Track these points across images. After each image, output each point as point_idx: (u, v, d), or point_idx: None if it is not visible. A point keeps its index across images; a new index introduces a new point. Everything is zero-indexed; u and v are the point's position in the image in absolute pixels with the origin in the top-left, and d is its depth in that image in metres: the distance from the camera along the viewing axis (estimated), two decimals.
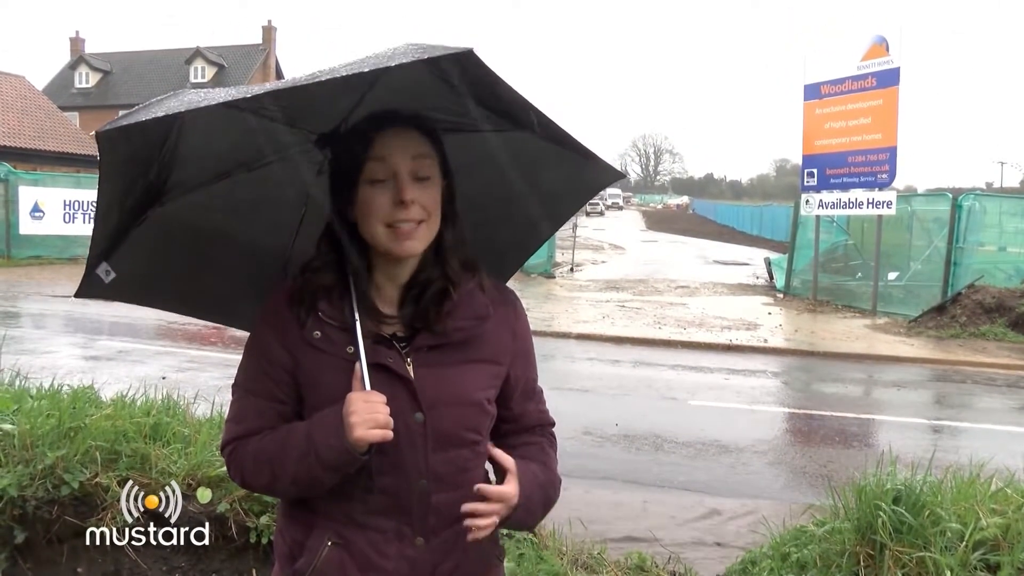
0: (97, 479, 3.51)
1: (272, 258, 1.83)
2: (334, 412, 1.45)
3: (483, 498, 1.49)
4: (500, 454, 1.52)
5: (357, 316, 1.52)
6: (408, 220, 1.48)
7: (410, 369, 1.53)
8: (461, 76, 1.33)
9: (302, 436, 1.48)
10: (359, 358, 1.49)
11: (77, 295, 1.69)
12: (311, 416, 1.52)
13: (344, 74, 1.19)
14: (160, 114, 1.27)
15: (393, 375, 1.51)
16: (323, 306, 1.54)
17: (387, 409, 1.44)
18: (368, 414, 1.42)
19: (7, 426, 3.71)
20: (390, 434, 1.43)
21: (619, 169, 1.75)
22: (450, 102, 1.47)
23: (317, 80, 1.20)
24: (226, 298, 1.87)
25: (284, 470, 1.51)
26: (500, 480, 1.54)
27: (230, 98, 1.27)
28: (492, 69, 1.23)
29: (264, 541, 3.45)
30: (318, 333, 1.53)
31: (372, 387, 1.47)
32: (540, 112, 1.38)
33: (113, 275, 1.65)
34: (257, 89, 1.28)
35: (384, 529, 1.55)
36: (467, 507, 1.47)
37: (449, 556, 1.58)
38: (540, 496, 1.60)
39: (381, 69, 1.19)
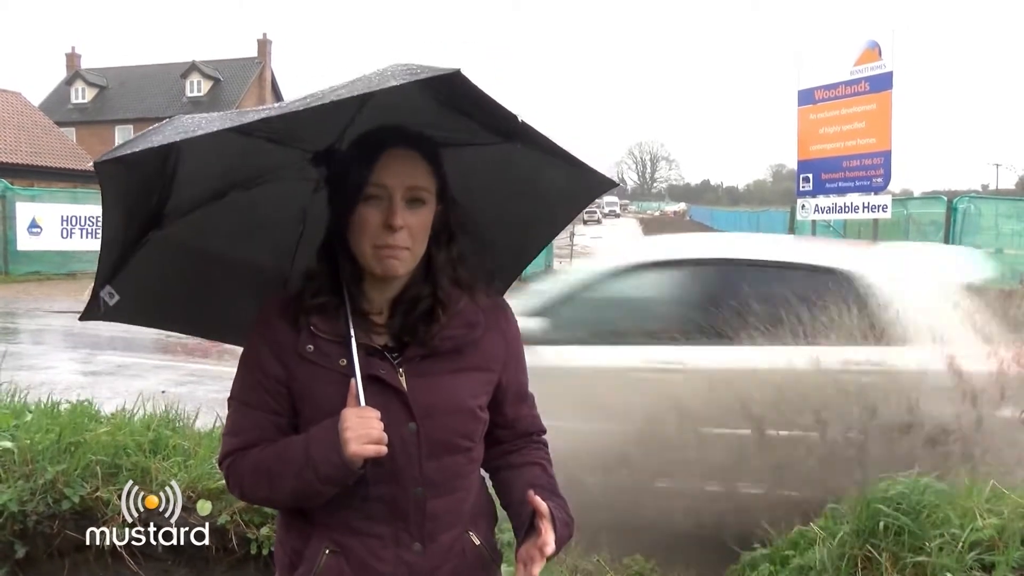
0: (98, 493, 3.52)
1: (273, 277, 1.86)
2: (330, 427, 1.47)
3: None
4: (539, 503, 1.52)
5: (352, 332, 1.54)
6: (393, 245, 1.50)
7: (402, 380, 1.55)
8: (449, 93, 1.35)
9: (299, 450, 1.50)
10: (353, 373, 1.51)
11: (82, 319, 1.73)
12: (307, 428, 1.53)
13: (333, 99, 1.22)
14: (157, 144, 1.30)
15: (386, 386, 1.53)
16: (315, 320, 1.56)
17: (381, 424, 1.46)
18: (362, 429, 1.44)
19: (6, 443, 3.72)
20: (384, 449, 1.46)
21: (614, 177, 1.78)
22: (440, 118, 1.50)
23: (309, 106, 1.23)
24: (229, 317, 1.89)
25: (282, 483, 1.53)
26: (531, 522, 1.53)
27: (225, 126, 1.30)
28: (479, 87, 1.25)
29: (265, 552, 3.46)
30: (311, 347, 1.55)
31: (366, 399, 1.49)
32: (528, 124, 1.40)
33: (117, 298, 1.68)
34: (252, 115, 1.31)
35: (381, 535, 1.57)
36: None
37: (447, 561, 1.61)
38: (566, 533, 1.62)
39: (377, 91, 1.22)
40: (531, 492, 1.54)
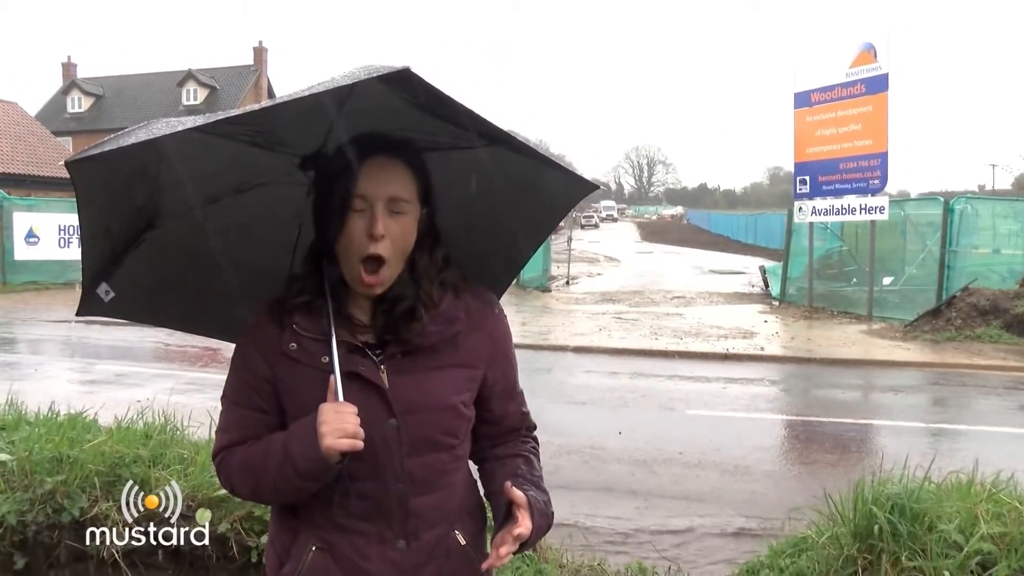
0: (96, 506, 3.51)
1: (272, 277, 1.87)
2: (308, 423, 1.50)
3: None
4: (515, 492, 1.53)
5: (333, 328, 1.57)
6: (375, 255, 1.52)
7: (384, 377, 1.57)
8: (420, 95, 1.36)
9: (279, 446, 1.54)
10: (333, 369, 1.53)
11: (78, 314, 1.78)
12: (291, 425, 1.56)
13: (290, 98, 1.25)
14: (127, 143, 1.34)
15: (366, 383, 1.56)
16: (298, 318, 1.59)
17: (357, 419, 1.48)
18: (337, 424, 1.46)
19: (4, 456, 3.72)
20: (360, 444, 1.47)
21: (611, 181, 1.79)
22: (419, 121, 1.50)
23: (273, 104, 1.27)
24: (227, 316, 1.91)
25: (266, 479, 1.57)
26: (509, 511, 1.54)
27: (195, 124, 1.33)
28: (434, 86, 1.27)
29: (265, 560, 3.45)
30: (294, 345, 1.59)
31: (346, 396, 1.51)
32: (497, 127, 1.42)
33: (113, 294, 1.73)
34: (221, 115, 1.34)
35: (366, 532, 1.59)
36: (488, 564, 1.52)
37: (432, 559, 1.63)
38: (544, 523, 1.62)
39: (345, 91, 1.26)
40: (508, 483, 1.55)
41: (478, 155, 1.62)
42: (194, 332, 2.10)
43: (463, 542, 1.68)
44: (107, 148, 1.36)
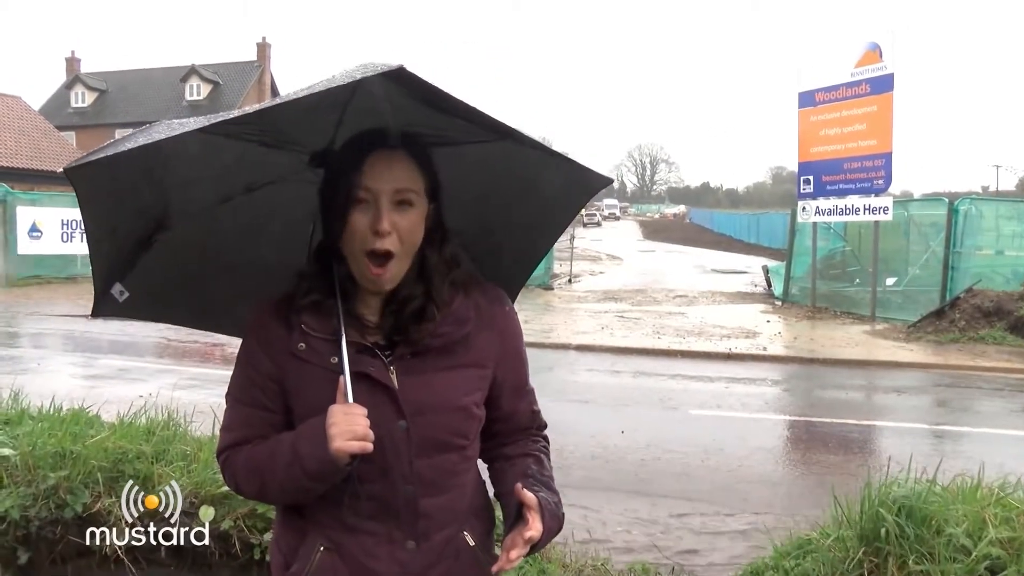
0: (99, 502, 3.51)
1: (288, 275, 1.86)
2: (317, 424, 1.48)
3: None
4: (527, 495, 1.52)
5: (343, 329, 1.55)
6: (382, 251, 1.50)
7: (393, 377, 1.56)
8: (420, 92, 1.34)
9: (288, 447, 1.52)
10: (343, 370, 1.51)
11: (93, 315, 1.78)
12: (298, 425, 1.55)
13: (291, 98, 1.25)
14: (127, 148, 1.34)
15: (376, 384, 1.54)
16: (307, 318, 1.58)
17: (366, 421, 1.47)
18: (347, 426, 1.45)
19: (7, 451, 3.71)
20: (369, 446, 1.46)
21: (612, 178, 1.78)
22: (426, 116, 1.48)
23: (275, 104, 1.27)
24: (243, 313, 1.90)
25: (273, 479, 1.55)
26: (519, 512, 1.54)
27: (198, 126, 1.33)
28: (431, 84, 1.26)
29: (268, 558, 3.44)
30: (303, 345, 1.57)
31: (355, 397, 1.49)
32: (500, 122, 1.41)
33: (127, 294, 1.73)
34: (223, 116, 1.34)
35: (375, 533, 1.58)
36: (498, 567, 1.52)
37: (441, 560, 1.61)
38: (555, 525, 1.61)
39: (348, 89, 1.25)
40: (519, 485, 1.55)
41: (487, 150, 1.60)
42: (208, 329, 2.09)
43: (472, 543, 1.66)
44: (107, 153, 1.35)
